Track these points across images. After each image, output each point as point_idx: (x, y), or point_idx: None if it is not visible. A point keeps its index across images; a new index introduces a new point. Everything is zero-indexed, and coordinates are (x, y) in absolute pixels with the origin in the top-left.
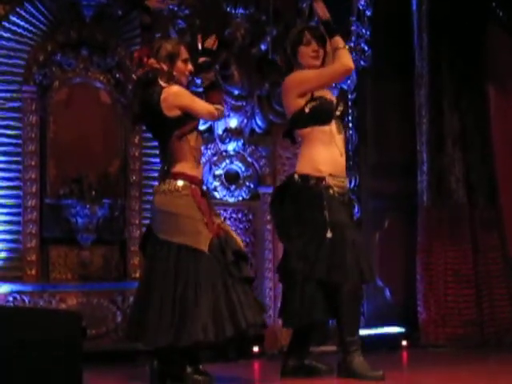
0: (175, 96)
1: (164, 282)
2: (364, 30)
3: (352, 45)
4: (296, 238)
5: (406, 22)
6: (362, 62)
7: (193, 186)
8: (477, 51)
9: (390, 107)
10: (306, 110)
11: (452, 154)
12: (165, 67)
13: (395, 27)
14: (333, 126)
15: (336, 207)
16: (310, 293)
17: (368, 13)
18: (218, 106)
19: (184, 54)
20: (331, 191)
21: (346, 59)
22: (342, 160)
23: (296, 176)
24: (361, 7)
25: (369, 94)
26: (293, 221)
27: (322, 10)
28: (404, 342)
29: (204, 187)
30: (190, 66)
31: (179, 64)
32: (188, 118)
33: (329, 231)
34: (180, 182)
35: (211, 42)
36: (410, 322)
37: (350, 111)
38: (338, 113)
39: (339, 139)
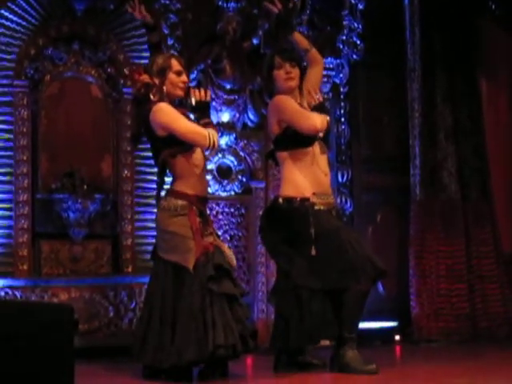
0: (158, 114)
1: (162, 301)
2: (356, 24)
3: (344, 38)
4: (296, 257)
5: (398, 16)
6: (354, 56)
7: (193, 208)
8: (469, 45)
9: (383, 101)
10: (288, 133)
11: (445, 148)
12: (157, 82)
13: (387, 21)
14: (316, 147)
15: (324, 218)
16: (318, 309)
17: (360, 6)
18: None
19: (176, 66)
20: (316, 207)
21: (317, 120)
22: (326, 179)
23: (280, 199)
24: (353, 1)
25: (361, 87)
26: (285, 241)
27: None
28: (397, 337)
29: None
30: (183, 78)
31: (172, 76)
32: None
33: (313, 249)
34: (180, 202)
35: (203, 94)
36: (402, 316)
37: (342, 104)
38: (320, 134)
39: (322, 159)
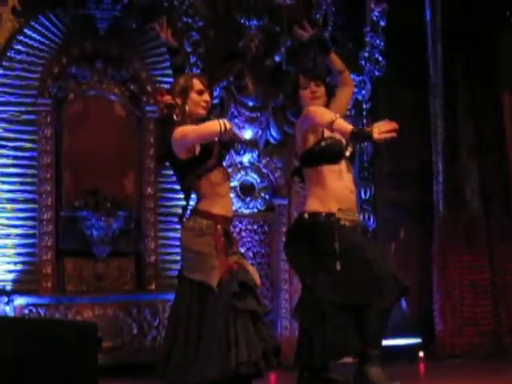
0: (180, 139)
1: (187, 319)
2: (378, 41)
3: (366, 55)
4: (319, 271)
5: (420, 33)
6: (376, 73)
7: (218, 227)
8: (491, 60)
9: (405, 117)
10: (316, 149)
11: (467, 164)
12: (179, 102)
13: (409, 37)
14: (342, 165)
15: (349, 234)
16: (342, 324)
17: (382, 23)
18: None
19: (197, 85)
20: (342, 223)
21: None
22: (352, 196)
23: (306, 215)
24: (375, 18)
25: (383, 103)
26: (309, 256)
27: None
28: (421, 353)
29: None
30: (205, 97)
31: (193, 96)
32: (199, 159)
33: (338, 264)
34: (205, 222)
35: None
36: (426, 333)
37: (364, 121)
38: (347, 153)
39: (348, 177)
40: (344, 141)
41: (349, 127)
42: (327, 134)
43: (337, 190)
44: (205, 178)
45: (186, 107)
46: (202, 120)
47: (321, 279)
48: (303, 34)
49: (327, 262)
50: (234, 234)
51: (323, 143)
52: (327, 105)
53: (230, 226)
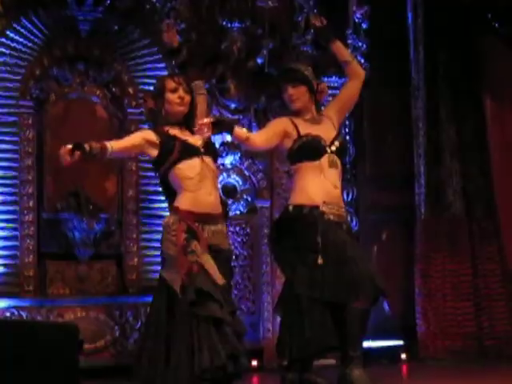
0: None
1: (157, 320)
2: (360, 43)
3: None
4: (299, 265)
5: (402, 35)
6: None
7: (181, 223)
8: (473, 63)
9: (387, 119)
10: (294, 148)
11: (449, 166)
12: (158, 104)
13: (391, 40)
14: (323, 161)
15: (332, 230)
16: (319, 319)
17: (364, 25)
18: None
19: (170, 84)
20: (326, 217)
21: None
22: (337, 191)
23: (290, 207)
24: (357, 20)
25: (366, 106)
26: (291, 250)
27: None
28: (403, 355)
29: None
30: (179, 93)
31: (168, 95)
32: (163, 156)
33: (320, 258)
34: (172, 218)
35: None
36: (408, 335)
37: (347, 123)
38: (333, 148)
39: (332, 173)
40: (324, 137)
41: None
42: (303, 132)
43: (319, 185)
44: (171, 173)
45: (163, 109)
46: (187, 117)
47: (299, 273)
48: (316, 22)
49: (307, 256)
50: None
51: (300, 141)
52: (312, 102)
53: (204, 223)
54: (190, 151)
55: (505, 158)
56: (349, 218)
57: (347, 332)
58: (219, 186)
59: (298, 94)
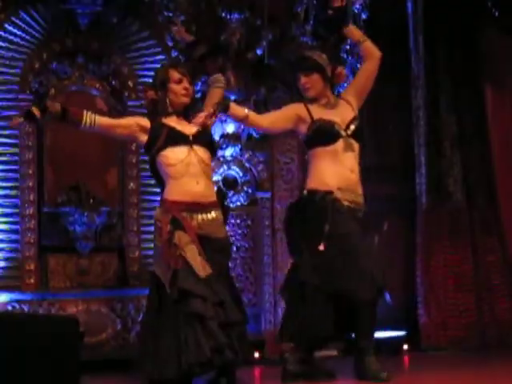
0: None
1: (150, 313)
2: None
3: (348, 48)
4: (305, 251)
5: (401, 25)
6: (358, 65)
7: (166, 215)
8: (473, 52)
9: (388, 110)
10: (309, 134)
11: (450, 156)
12: (161, 95)
13: (391, 30)
14: (338, 145)
15: (343, 219)
16: (320, 307)
17: (364, 16)
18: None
19: (175, 75)
20: (339, 204)
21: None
22: (353, 176)
23: (305, 191)
24: (356, 10)
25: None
26: (301, 235)
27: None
28: (405, 346)
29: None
30: (184, 85)
31: (173, 86)
32: (151, 143)
33: (322, 244)
34: (159, 210)
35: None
36: (410, 326)
37: None
38: (348, 132)
39: (348, 157)
40: (339, 121)
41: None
42: (316, 117)
43: (334, 170)
44: (157, 160)
45: (167, 100)
46: (187, 108)
47: (305, 259)
48: (336, 2)
49: (314, 243)
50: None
51: (313, 127)
52: (328, 88)
53: (193, 212)
54: (176, 138)
55: (505, 148)
56: None
57: (357, 323)
58: (219, 177)
59: (311, 82)
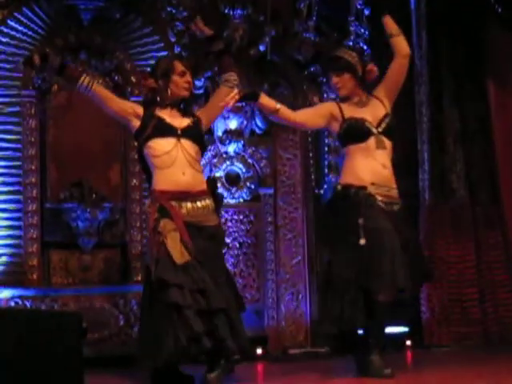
0: None
1: (143, 305)
2: (362, 30)
3: (351, 44)
4: (339, 244)
5: (404, 21)
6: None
7: (154, 204)
8: (476, 48)
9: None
10: (341, 132)
11: (453, 152)
12: (162, 85)
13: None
14: (370, 143)
15: (374, 215)
16: (350, 299)
17: (366, 12)
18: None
19: (179, 67)
20: (372, 199)
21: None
22: (386, 171)
23: (339, 186)
24: (359, 6)
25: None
26: (333, 229)
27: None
28: (408, 342)
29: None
30: (186, 78)
31: (175, 78)
32: (140, 131)
33: (362, 239)
34: (148, 201)
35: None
36: (413, 322)
37: None
38: (380, 129)
39: (380, 154)
40: (370, 119)
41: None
42: (347, 115)
43: (367, 165)
44: (144, 149)
45: (169, 90)
46: (184, 102)
47: (338, 252)
48: None
49: (348, 237)
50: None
51: (344, 125)
52: (359, 86)
53: (181, 200)
54: (164, 130)
55: (508, 144)
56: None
57: (371, 320)
58: (222, 173)
59: (342, 82)
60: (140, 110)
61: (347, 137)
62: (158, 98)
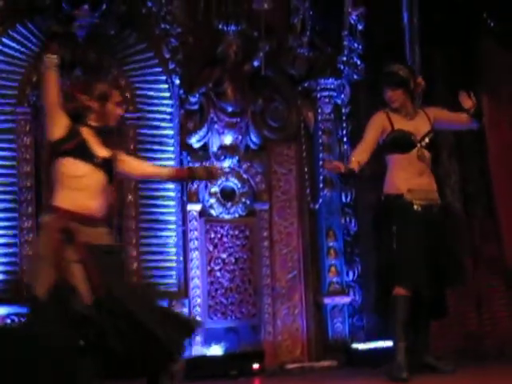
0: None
1: None
2: (356, 44)
3: (345, 59)
4: (382, 248)
5: (397, 35)
6: (354, 76)
7: (56, 222)
8: (469, 62)
9: None
10: (387, 141)
11: (447, 166)
12: (96, 106)
13: (387, 40)
14: (412, 154)
15: (409, 222)
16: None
17: (360, 27)
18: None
19: (117, 97)
20: (409, 206)
21: None
22: (424, 176)
23: (382, 197)
24: (353, 21)
25: (363, 107)
26: (377, 237)
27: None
28: None
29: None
30: (121, 110)
31: (110, 106)
32: (61, 141)
33: (394, 243)
34: (47, 216)
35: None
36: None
37: (344, 125)
38: (423, 143)
39: (419, 165)
40: (416, 132)
41: None
42: (396, 127)
43: (406, 175)
44: (57, 163)
45: (101, 115)
46: (106, 128)
47: (380, 255)
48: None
49: (385, 241)
50: (215, 240)
51: (392, 135)
52: (409, 99)
53: (81, 224)
54: (84, 153)
55: (503, 158)
56: (347, 221)
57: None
58: (217, 189)
59: (396, 96)
60: (66, 120)
61: (393, 146)
62: (86, 118)
